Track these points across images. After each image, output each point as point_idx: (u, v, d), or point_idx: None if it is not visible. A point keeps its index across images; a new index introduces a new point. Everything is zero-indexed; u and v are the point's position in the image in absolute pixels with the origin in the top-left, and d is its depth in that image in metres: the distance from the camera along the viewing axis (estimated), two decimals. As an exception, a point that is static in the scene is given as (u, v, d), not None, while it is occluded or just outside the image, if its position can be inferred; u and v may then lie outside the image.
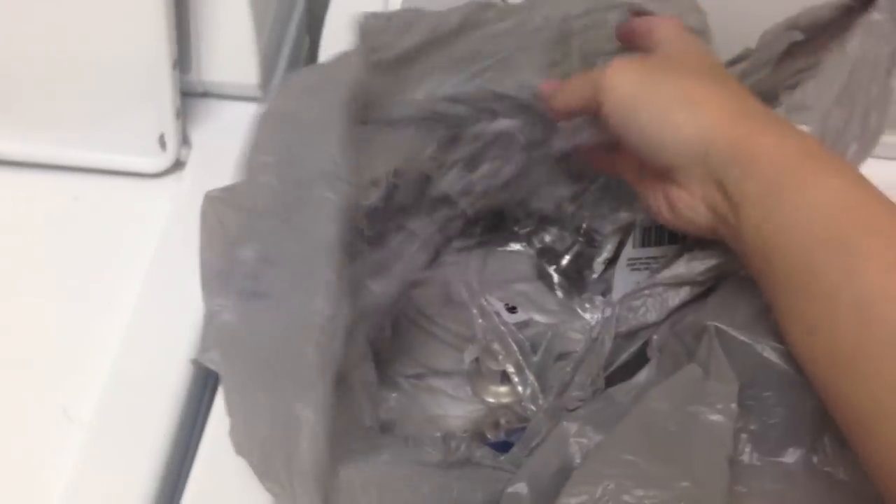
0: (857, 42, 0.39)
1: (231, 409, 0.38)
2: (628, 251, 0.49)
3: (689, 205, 0.37)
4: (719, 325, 0.36)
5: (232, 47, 0.56)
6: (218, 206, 0.39)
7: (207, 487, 0.44)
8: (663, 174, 0.38)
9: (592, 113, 0.40)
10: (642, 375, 0.40)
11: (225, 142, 0.46)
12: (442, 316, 0.51)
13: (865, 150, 0.36)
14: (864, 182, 0.33)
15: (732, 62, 0.43)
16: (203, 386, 0.48)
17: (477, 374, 0.49)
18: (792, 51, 0.41)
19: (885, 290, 0.30)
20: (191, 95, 0.57)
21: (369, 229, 0.44)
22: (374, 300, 0.42)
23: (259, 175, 0.39)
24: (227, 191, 0.40)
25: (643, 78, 0.38)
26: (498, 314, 0.49)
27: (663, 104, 0.37)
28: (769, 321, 0.35)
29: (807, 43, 0.41)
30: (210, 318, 0.38)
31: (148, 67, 0.53)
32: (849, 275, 0.31)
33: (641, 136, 0.37)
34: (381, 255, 0.45)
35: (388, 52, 0.43)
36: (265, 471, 0.36)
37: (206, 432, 0.46)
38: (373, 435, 0.41)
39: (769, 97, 0.43)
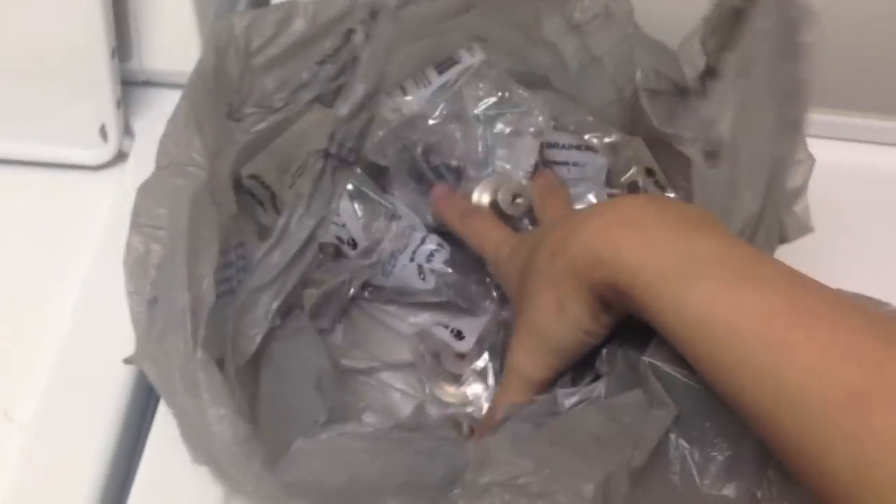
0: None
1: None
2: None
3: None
4: (653, 360, 0.36)
5: (174, 34, 0.54)
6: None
7: (154, 486, 0.43)
8: None
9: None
10: (593, 389, 0.39)
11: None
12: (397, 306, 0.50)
13: (790, 148, 0.35)
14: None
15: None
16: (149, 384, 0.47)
17: (433, 371, 0.48)
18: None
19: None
20: (133, 84, 0.56)
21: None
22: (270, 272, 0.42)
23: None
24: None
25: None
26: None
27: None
28: None
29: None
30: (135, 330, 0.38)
31: (85, 56, 0.51)
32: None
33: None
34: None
35: (273, 48, 0.45)
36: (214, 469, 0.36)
37: (153, 430, 0.44)
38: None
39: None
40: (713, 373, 0.32)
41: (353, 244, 0.50)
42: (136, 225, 0.39)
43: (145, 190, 0.40)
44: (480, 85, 0.52)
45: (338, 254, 0.50)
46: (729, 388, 0.31)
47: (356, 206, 0.51)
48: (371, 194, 0.51)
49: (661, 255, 0.34)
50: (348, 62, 0.47)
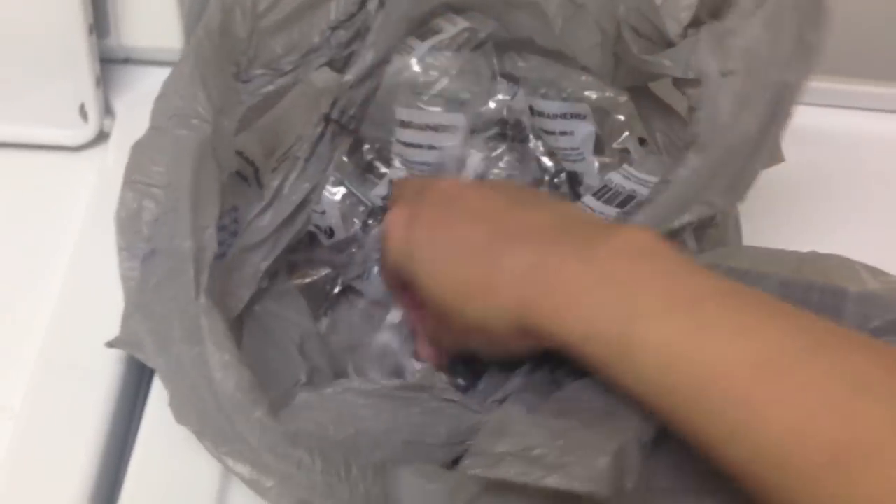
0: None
1: (163, 377, 0.37)
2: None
3: None
4: None
5: (152, 9, 0.53)
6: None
7: (149, 469, 0.42)
8: None
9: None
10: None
11: (150, 110, 0.43)
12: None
13: (803, 71, 0.34)
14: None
15: None
16: (140, 366, 0.46)
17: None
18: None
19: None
20: (112, 62, 0.55)
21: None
22: (261, 232, 0.41)
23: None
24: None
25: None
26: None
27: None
28: None
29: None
30: (125, 288, 0.36)
31: (62, 33, 0.50)
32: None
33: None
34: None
35: (280, 10, 0.44)
36: (202, 430, 0.35)
37: (147, 412, 0.44)
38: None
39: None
40: (683, 430, 0.30)
41: (330, 233, 0.50)
42: (130, 181, 0.38)
43: (140, 147, 0.39)
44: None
45: (312, 240, 0.49)
46: (703, 445, 0.30)
47: (339, 194, 0.50)
48: (354, 191, 0.50)
49: (601, 321, 0.32)
50: (361, 29, 0.46)
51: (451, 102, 0.51)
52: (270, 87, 0.45)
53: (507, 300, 0.34)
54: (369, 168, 0.52)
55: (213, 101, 0.40)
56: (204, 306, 0.33)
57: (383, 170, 0.52)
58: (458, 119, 0.51)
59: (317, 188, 0.45)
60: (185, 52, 0.41)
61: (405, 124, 0.51)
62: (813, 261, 0.37)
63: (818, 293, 0.35)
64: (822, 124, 0.58)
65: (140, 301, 0.36)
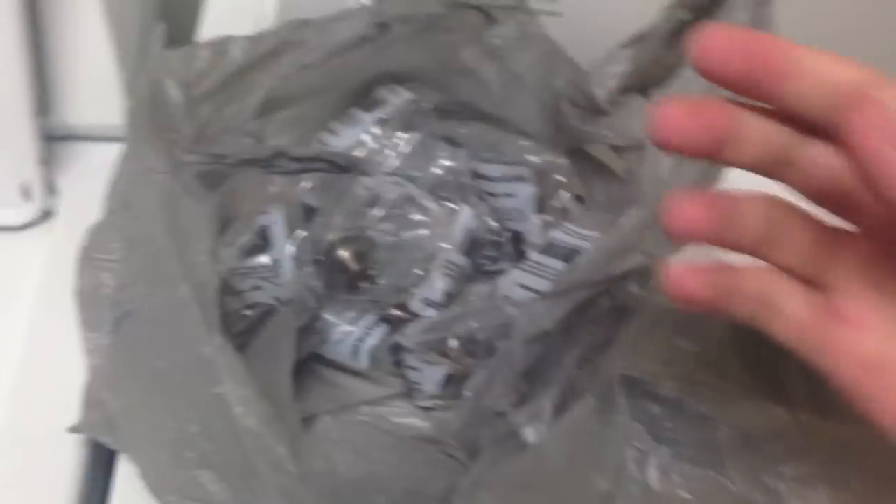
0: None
1: (133, 453, 0.36)
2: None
3: None
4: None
5: (94, 86, 0.53)
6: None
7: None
8: None
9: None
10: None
11: (95, 186, 0.44)
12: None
13: None
14: None
15: (626, 45, 0.45)
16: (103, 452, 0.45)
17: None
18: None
19: None
20: (55, 139, 0.54)
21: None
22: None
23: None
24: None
25: None
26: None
27: None
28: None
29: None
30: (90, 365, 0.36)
31: (2, 113, 0.49)
32: None
33: None
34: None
35: (205, 83, 0.44)
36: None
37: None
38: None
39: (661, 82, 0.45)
40: None
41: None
42: (88, 258, 0.38)
43: (97, 228, 0.40)
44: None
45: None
46: None
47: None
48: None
49: None
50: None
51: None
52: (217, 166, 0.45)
53: None
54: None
55: (163, 157, 0.41)
56: (219, 345, 0.33)
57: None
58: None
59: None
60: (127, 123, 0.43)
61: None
62: None
63: None
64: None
65: (112, 373, 0.36)
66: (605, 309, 0.42)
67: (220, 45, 0.44)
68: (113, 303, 0.37)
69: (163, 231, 0.37)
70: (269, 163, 0.43)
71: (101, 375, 0.37)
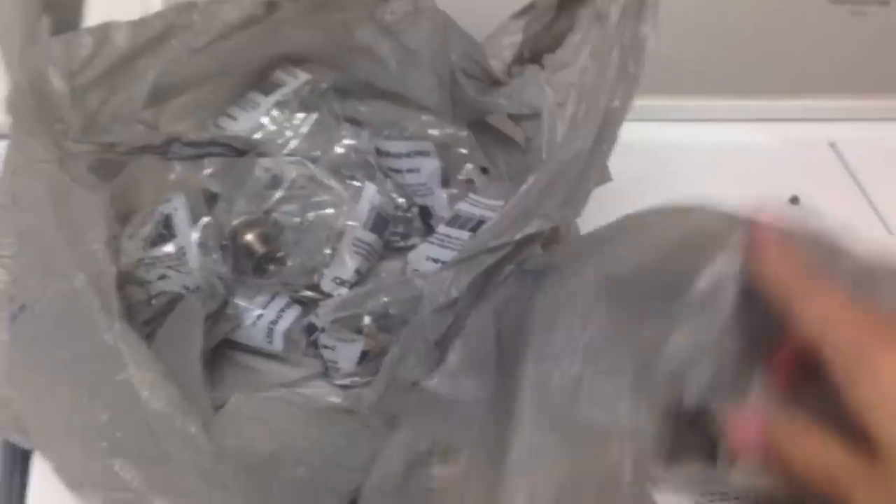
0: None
1: (45, 448, 0.36)
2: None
3: None
4: None
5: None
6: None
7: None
8: None
9: None
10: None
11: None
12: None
13: (627, 98, 0.39)
14: None
15: (517, 15, 0.45)
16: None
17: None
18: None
19: None
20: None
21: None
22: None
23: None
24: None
25: None
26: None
27: None
28: None
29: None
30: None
31: None
32: None
33: None
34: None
35: (90, 72, 0.43)
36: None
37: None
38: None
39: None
40: None
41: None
42: None
43: None
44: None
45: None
46: None
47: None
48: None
49: None
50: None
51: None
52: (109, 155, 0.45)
53: None
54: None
55: (50, 148, 0.40)
56: (120, 331, 0.33)
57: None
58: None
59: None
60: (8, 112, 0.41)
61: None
62: None
63: None
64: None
65: (14, 369, 0.35)
66: (510, 272, 0.43)
67: (103, 32, 0.43)
68: (8, 298, 0.36)
69: (53, 223, 0.36)
70: (163, 149, 0.43)
71: (2, 373, 0.36)
